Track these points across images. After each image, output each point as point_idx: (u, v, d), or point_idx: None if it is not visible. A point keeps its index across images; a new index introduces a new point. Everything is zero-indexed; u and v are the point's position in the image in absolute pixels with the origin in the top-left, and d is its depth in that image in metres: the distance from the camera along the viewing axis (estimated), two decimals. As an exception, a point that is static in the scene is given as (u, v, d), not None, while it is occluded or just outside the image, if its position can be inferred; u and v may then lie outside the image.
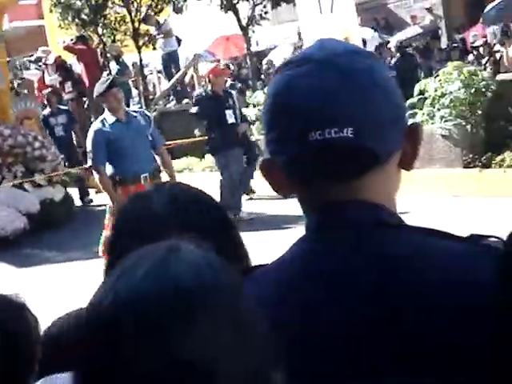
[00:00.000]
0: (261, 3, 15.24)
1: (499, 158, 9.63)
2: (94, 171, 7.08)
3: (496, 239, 1.19)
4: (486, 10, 17.24)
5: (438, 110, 10.43)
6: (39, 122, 13.10)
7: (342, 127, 1.15)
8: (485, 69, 13.63)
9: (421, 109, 10.74)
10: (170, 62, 15.78)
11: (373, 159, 1.18)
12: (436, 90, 10.54)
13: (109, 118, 6.96)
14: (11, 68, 19.46)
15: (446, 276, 1.12)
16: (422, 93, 11.22)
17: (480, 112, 10.24)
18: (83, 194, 13.02)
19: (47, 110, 13.31)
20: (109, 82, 7.02)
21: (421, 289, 1.12)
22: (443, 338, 1.09)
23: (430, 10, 21.18)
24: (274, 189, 1.28)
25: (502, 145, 9.86)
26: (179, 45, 15.85)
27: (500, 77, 10.80)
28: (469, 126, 10.12)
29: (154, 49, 17.36)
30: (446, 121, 10.26)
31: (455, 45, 17.09)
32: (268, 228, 9.23)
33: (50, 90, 14.17)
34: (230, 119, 9.91)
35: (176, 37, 15.93)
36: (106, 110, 7.07)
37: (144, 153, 6.92)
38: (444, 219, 8.56)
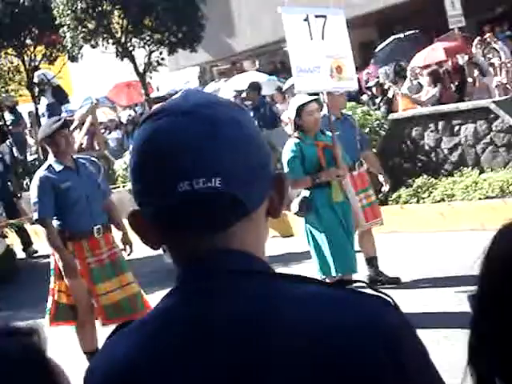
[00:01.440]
0: (157, 50, 15.29)
1: (395, 194, 9.90)
2: (40, 225, 6.21)
3: (362, 284, 1.21)
4: (377, 50, 17.83)
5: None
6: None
7: (210, 177, 1.15)
8: (379, 108, 14.06)
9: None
10: (53, 112, 15.59)
11: (241, 209, 1.18)
12: (332, 131, 10.77)
13: (55, 164, 6.09)
14: None
15: (313, 322, 1.13)
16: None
17: (375, 150, 10.53)
18: (26, 245, 12.41)
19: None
20: (61, 122, 6.23)
21: (287, 337, 1.11)
22: None
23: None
24: (143, 241, 1.25)
25: (398, 182, 10.14)
26: (65, 99, 15.79)
27: (392, 116, 11.15)
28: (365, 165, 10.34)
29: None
30: (343, 160, 10.48)
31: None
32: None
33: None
34: None
35: (60, 90, 15.88)
36: (51, 155, 6.18)
37: (96, 203, 6.20)
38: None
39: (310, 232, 6.29)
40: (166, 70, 19.53)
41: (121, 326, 1.26)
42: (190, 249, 1.20)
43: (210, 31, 18.10)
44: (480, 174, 9.72)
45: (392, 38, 17.71)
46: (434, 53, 15.17)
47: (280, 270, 8.14)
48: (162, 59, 15.42)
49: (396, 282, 7.21)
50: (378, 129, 10.69)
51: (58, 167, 6.11)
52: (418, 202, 9.71)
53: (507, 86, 11.90)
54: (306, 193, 6.27)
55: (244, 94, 14.61)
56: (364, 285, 1.22)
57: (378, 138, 10.63)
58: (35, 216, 6.12)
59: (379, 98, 14.71)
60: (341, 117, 7.39)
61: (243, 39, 23.18)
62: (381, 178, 7.84)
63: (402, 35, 17.75)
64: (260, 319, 1.13)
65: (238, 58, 24.63)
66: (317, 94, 6.66)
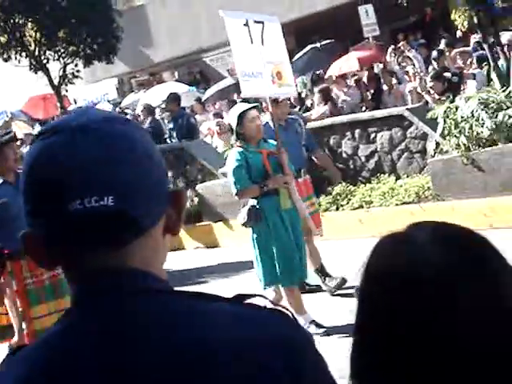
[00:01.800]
0: (72, 62, 15.07)
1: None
2: None
3: (260, 297, 1.21)
4: (294, 60, 18.00)
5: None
6: None
7: (103, 195, 1.12)
8: (298, 117, 14.19)
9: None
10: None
11: (136, 226, 1.16)
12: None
13: None
14: None
15: (213, 339, 1.11)
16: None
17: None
18: None
19: None
20: (10, 135, 5.97)
21: (187, 355, 1.10)
22: None
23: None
24: (38, 262, 1.22)
25: (319, 190, 10.24)
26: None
27: (310, 124, 11.26)
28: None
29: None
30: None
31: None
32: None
33: None
34: None
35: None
36: None
37: None
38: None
39: (257, 241, 6.18)
40: (83, 82, 19.28)
41: (16, 349, 1.22)
42: (84, 268, 1.18)
43: (128, 42, 17.97)
44: (396, 180, 9.91)
45: (309, 47, 17.94)
46: (349, 62, 15.43)
47: (208, 281, 8.12)
48: (78, 71, 15.22)
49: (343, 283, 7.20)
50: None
51: None
52: (337, 209, 9.83)
53: (421, 92, 12.17)
54: (253, 202, 6.18)
55: (163, 105, 14.56)
56: (264, 299, 1.21)
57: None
58: None
59: (297, 108, 14.86)
60: (284, 124, 7.34)
61: (162, 50, 23.09)
62: (331, 173, 7.70)
63: (318, 45, 18.00)
64: (153, 338, 1.11)
65: (157, 68, 24.51)
66: (256, 101, 6.66)
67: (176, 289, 1.22)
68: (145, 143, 1.21)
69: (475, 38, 13.72)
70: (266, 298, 1.20)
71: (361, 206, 9.56)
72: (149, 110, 14.53)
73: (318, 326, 6.18)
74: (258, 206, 6.13)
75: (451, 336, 1.06)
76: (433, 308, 1.06)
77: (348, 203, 9.76)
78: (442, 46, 15.89)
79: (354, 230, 9.18)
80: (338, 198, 9.94)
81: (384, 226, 8.75)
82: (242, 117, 6.15)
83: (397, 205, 9.28)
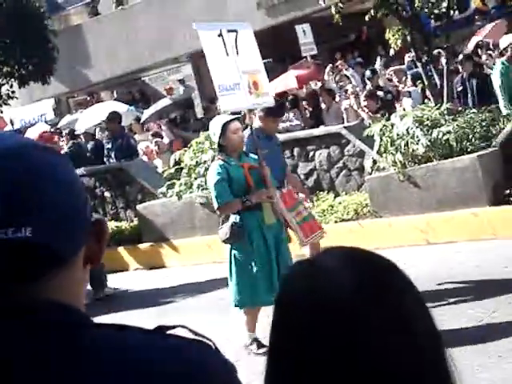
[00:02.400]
0: (7, 83, 14.85)
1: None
2: None
3: (183, 328, 1.19)
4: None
5: (195, 178, 10.67)
6: None
7: (20, 227, 1.09)
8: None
9: (178, 179, 10.94)
10: None
11: (55, 258, 1.13)
12: (191, 160, 10.79)
13: None
14: None
15: (132, 372, 1.10)
16: (178, 163, 11.47)
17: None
18: None
19: None
20: None
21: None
22: None
23: (182, 81, 21.79)
24: None
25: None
26: None
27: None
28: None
29: None
30: (203, 189, 10.51)
31: (208, 116, 17.76)
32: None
33: None
34: None
35: None
36: None
37: None
38: (209, 286, 8.68)
39: (235, 258, 5.95)
40: (19, 102, 18.99)
41: None
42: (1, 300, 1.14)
43: (65, 62, 17.79)
44: (335, 197, 9.99)
45: (248, 66, 18.01)
46: (287, 81, 15.55)
47: (150, 303, 7.93)
48: (13, 92, 15.00)
49: None
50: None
51: None
52: (277, 227, 9.83)
53: (357, 110, 12.34)
54: (234, 218, 5.95)
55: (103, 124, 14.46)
56: (185, 329, 1.20)
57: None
58: None
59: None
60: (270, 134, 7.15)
61: (100, 70, 22.92)
62: (302, 195, 7.42)
63: (257, 64, 18.08)
64: (71, 373, 1.09)
65: (95, 88, 24.31)
66: (238, 113, 6.51)
67: (97, 321, 1.20)
68: (65, 171, 1.19)
69: (409, 56, 13.98)
70: (189, 329, 1.19)
71: (301, 224, 9.59)
72: (72, 134, 14.64)
73: (261, 345, 6.00)
74: (239, 222, 5.91)
75: (357, 359, 1.06)
76: (341, 332, 1.06)
77: (288, 221, 9.78)
78: (377, 64, 16.18)
79: (293, 248, 9.19)
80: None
81: (324, 243, 8.75)
82: (225, 128, 5.94)
83: (336, 222, 9.35)
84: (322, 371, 1.08)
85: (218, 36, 6.38)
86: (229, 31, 6.47)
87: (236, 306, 6.03)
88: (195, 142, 10.98)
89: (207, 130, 13.18)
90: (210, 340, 1.18)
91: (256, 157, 6.18)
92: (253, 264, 5.87)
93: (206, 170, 10.47)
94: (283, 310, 1.15)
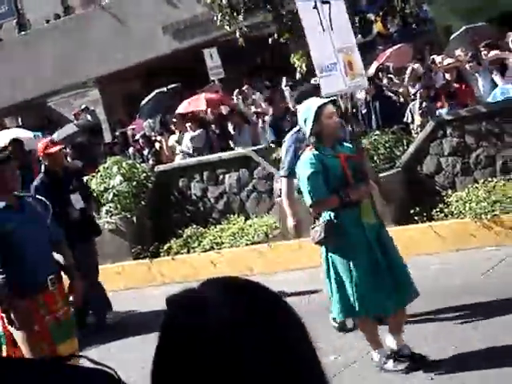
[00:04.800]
0: None
1: (166, 245, 9.94)
2: None
3: (86, 359, 1.17)
4: (142, 104, 17.97)
5: (104, 204, 10.53)
6: None
7: None
8: (147, 160, 14.13)
9: (86, 205, 10.76)
10: None
11: None
12: (99, 185, 10.65)
13: None
14: None
15: None
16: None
17: (144, 203, 10.53)
18: None
19: None
20: (6, 155, 5.32)
21: None
22: None
23: (86, 109, 21.32)
24: None
25: (168, 233, 10.20)
26: None
27: (159, 168, 11.24)
28: (134, 218, 10.33)
29: None
30: (112, 215, 10.38)
31: (115, 140, 17.60)
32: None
33: None
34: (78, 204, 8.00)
35: None
36: None
37: (46, 249, 5.19)
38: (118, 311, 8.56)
39: (333, 263, 5.14)
40: None
41: None
42: None
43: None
44: (246, 220, 10.03)
45: (155, 91, 17.96)
46: (197, 102, 15.58)
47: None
48: None
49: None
50: (145, 181, 10.73)
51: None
52: (188, 251, 9.80)
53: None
54: (328, 215, 5.14)
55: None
56: (87, 360, 1.18)
57: (146, 191, 10.67)
58: None
59: (147, 151, 14.79)
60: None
61: (3, 96, 22.40)
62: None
63: (164, 89, 18.06)
64: None
65: (-1, 115, 23.75)
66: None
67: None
68: None
69: (316, 80, 14.20)
70: (88, 358, 1.17)
71: (212, 248, 9.59)
72: None
73: (399, 360, 5.22)
74: (336, 220, 5.11)
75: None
76: (220, 360, 1.06)
77: (199, 245, 9.76)
78: (283, 86, 16.39)
79: (205, 272, 9.17)
80: (189, 240, 9.93)
81: (235, 266, 8.77)
82: (319, 112, 5.15)
83: (247, 245, 9.38)
84: None
85: (313, 8, 5.87)
86: (323, 2, 5.93)
87: (339, 317, 5.31)
88: (103, 167, 10.84)
89: (115, 154, 13.03)
90: (112, 369, 1.16)
91: (351, 145, 5.46)
92: (356, 268, 5.03)
93: (115, 195, 10.41)
94: (165, 335, 1.14)
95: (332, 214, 5.12)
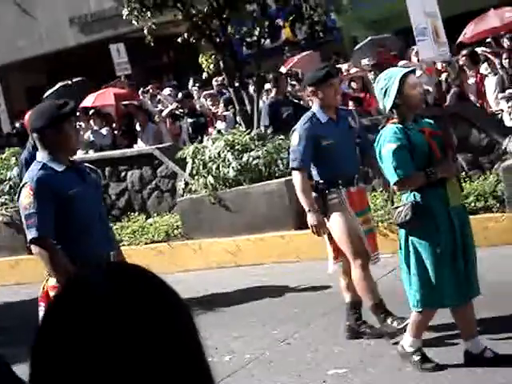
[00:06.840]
0: None
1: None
2: (37, 248, 4.17)
3: None
4: (44, 97, 17.55)
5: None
6: None
7: None
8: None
9: (-19, 197, 10.43)
10: None
11: None
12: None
13: (52, 163, 4.25)
14: None
15: None
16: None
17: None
18: None
19: None
20: (70, 106, 4.30)
21: None
22: None
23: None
24: None
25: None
26: None
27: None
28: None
29: None
30: (7, 208, 10.08)
31: (15, 131, 17.17)
32: None
33: None
34: None
35: None
36: (43, 152, 4.26)
37: (106, 224, 4.55)
38: (16, 307, 8.33)
39: (414, 248, 4.69)
40: None
41: None
42: None
43: None
44: (147, 218, 9.93)
45: (59, 84, 17.55)
46: (104, 96, 15.35)
47: None
48: None
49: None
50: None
51: (58, 167, 4.27)
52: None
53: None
54: (413, 195, 4.72)
55: None
56: None
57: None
58: (32, 234, 4.15)
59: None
60: (334, 116, 5.76)
61: None
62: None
63: (69, 82, 17.67)
64: None
65: None
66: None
67: None
68: None
69: (217, 80, 14.21)
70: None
71: (110, 246, 9.44)
72: None
73: (426, 359, 4.87)
74: (422, 201, 4.68)
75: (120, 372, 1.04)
76: (108, 344, 1.04)
77: (97, 242, 9.59)
78: (190, 86, 16.33)
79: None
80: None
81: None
82: (403, 81, 4.75)
83: (146, 243, 9.29)
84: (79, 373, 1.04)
85: None
86: None
87: (418, 306, 4.74)
88: (0, 158, 10.53)
89: (13, 146, 12.67)
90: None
91: (431, 121, 5.04)
92: (439, 255, 4.64)
93: (11, 187, 10.10)
94: (48, 318, 1.11)
95: (417, 195, 4.72)
